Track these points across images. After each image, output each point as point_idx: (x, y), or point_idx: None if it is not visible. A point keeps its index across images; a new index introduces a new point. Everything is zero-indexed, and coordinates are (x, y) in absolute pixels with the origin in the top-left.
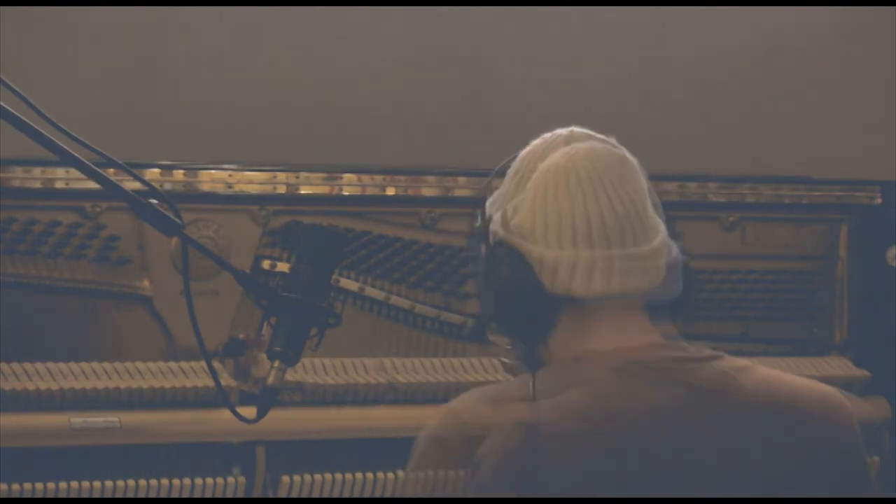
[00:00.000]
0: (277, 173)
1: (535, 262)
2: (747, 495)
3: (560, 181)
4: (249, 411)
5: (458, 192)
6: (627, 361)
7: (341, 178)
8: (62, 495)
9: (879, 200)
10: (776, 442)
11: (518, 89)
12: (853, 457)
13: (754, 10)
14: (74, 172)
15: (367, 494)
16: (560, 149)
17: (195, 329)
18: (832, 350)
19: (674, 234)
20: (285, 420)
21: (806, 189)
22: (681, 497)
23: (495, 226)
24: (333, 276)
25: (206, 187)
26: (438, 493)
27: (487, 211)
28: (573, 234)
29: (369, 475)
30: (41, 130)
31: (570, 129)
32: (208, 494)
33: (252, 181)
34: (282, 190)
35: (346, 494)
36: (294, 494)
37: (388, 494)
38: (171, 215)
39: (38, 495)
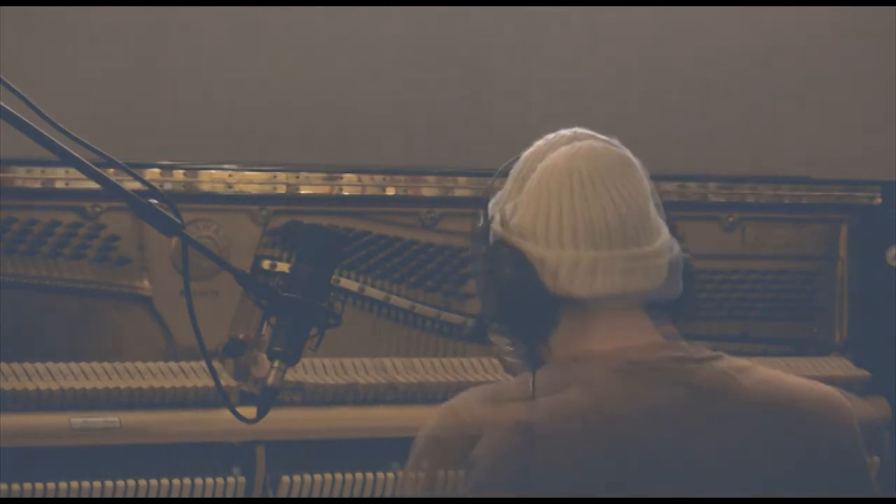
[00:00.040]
0: (277, 173)
1: (536, 263)
2: (747, 495)
3: (563, 181)
4: (249, 411)
5: (458, 192)
6: (627, 361)
7: (341, 178)
8: (62, 495)
9: (879, 200)
10: (776, 442)
11: (518, 89)
12: (853, 457)
13: (754, 10)
14: (74, 172)
15: (367, 494)
16: (559, 148)
17: (195, 329)
18: (832, 350)
19: (676, 235)
20: (285, 420)
21: (806, 189)
22: (681, 497)
23: (496, 226)
24: (333, 276)
25: (206, 187)
26: (437, 493)
27: (490, 212)
28: (574, 235)
29: (369, 475)
30: (41, 130)
31: (573, 130)
32: (208, 494)
33: (252, 181)
34: (282, 190)
35: (346, 494)
36: (294, 494)
37: (388, 494)
38: (171, 215)
39: (38, 495)
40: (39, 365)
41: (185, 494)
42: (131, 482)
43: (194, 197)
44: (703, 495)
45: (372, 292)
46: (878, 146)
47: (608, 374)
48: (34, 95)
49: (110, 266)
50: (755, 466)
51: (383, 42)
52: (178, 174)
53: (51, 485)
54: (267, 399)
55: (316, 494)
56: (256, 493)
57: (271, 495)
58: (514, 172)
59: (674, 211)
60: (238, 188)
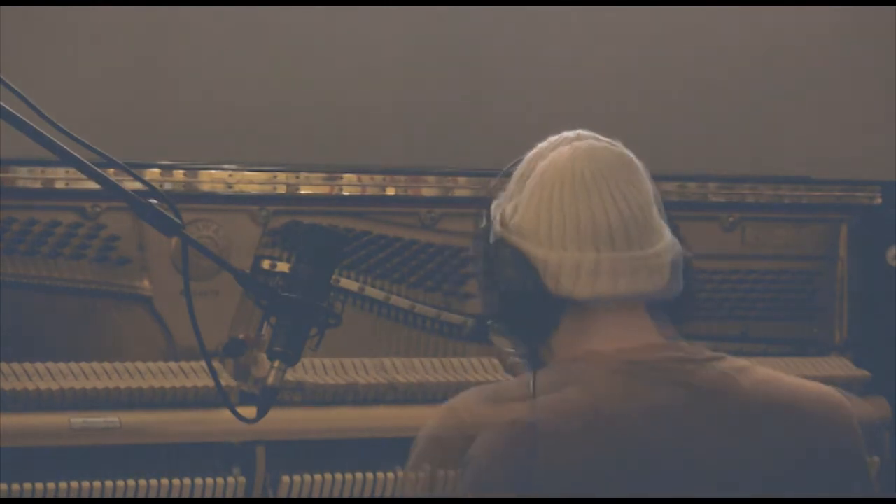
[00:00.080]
0: (277, 173)
1: (538, 264)
2: (747, 495)
3: (564, 181)
4: (249, 411)
5: (458, 192)
6: (628, 362)
7: (341, 178)
8: (62, 495)
9: (879, 200)
10: (776, 442)
11: (518, 89)
12: (853, 457)
13: (754, 10)
14: (74, 172)
15: (367, 494)
16: (560, 148)
17: (195, 329)
18: (832, 350)
19: (679, 238)
20: (285, 420)
21: (806, 189)
22: (681, 497)
23: (497, 226)
24: (333, 276)
25: (206, 187)
26: (438, 493)
27: (493, 213)
28: (577, 236)
29: (369, 475)
30: (41, 130)
31: (577, 131)
32: (208, 494)
33: (252, 181)
34: (282, 190)
35: (346, 494)
36: (294, 494)
37: (388, 494)
38: (171, 215)
39: (38, 495)
40: (39, 365)
41: (185, 494)
42: (131, 482)
43: (194, 197)
44: (702, 495)
45: (372, 292)
46: (878, 146)
47: (608, 374)
48: (34, 95)
49: (110, 266)
50: (755, 466)
51: (383, 42)
52: (178, 174)
53: (51, 485)
54: (267, 399)
55: (316, 494)
56: (256, 493)
57: (271, 495)
58: (517, 173)
59: (674, 211)
60: (238, 188)
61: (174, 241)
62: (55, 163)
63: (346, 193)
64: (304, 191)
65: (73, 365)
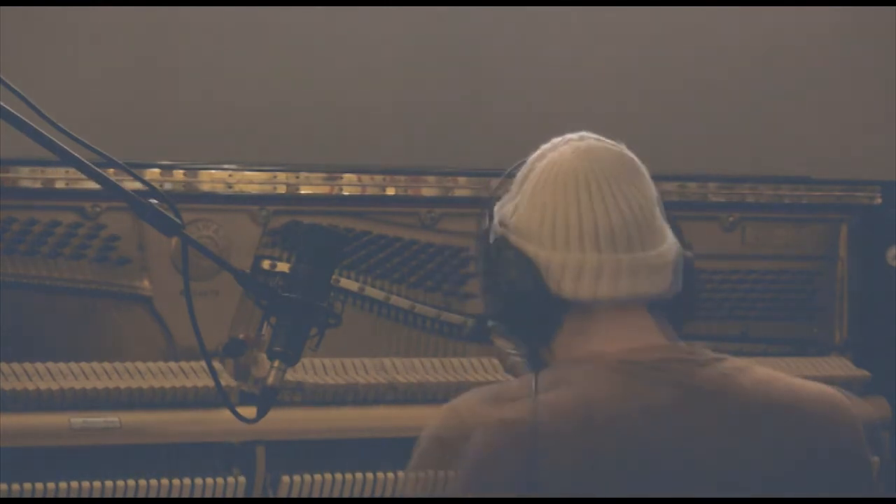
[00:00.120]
0: (277, 173)
1: (540, 265)
2: (747, 496)
3: (568, 182)
4: (249, 411)
5: (458, 192)
6: (629, 362)
7: (341, 178)
8: (62, 495)
9: (879, 200)
10: (777, 442)
11: (518, 89)
12: (854, 457)
13: (754, 10)
14: (74, 172)
15: (367, 494)
16: (561, 149)
17: (195, 329)
18: (832, 350)
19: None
20: (285, 420)
21: (806, 189)
22: (681, 497)
23: (498, 226)
24: (333, 276)
25: (206, 187)
26: (439, 493)
27: (495, 213)
28: (579, 237)
29: (369, 475)
30: (41, 130)
31: (580, 133)
32: (208, 494)
33: (252, 181)
34: (282, 190)
35: (346, 494)
36: (294, 494)
37: (388, 494)
38: (171, 215)
39: (38, 495)
40: (39, 365)
41: (185, 494)
42: (131, 482)
43: (194, 197)
44: (703, 495)
45: (372, 292)
46: (878, 146)
47: (609, 375)
48: (34, 95)
49: (110, 266)
50: (756, 466)
51: (383, 42)
52: (178, 174)
53: (51, 485)
54: (267, 399)
55: (316, 494)
56: (256, 493)
57: (271, 495)
58: (519, 175)
59: (674, 211)
60: (238, 188)
61: (174, 241)
62: (55, 163)
63: (346, 193)
64: (304, 191)
65: (73, 365)
